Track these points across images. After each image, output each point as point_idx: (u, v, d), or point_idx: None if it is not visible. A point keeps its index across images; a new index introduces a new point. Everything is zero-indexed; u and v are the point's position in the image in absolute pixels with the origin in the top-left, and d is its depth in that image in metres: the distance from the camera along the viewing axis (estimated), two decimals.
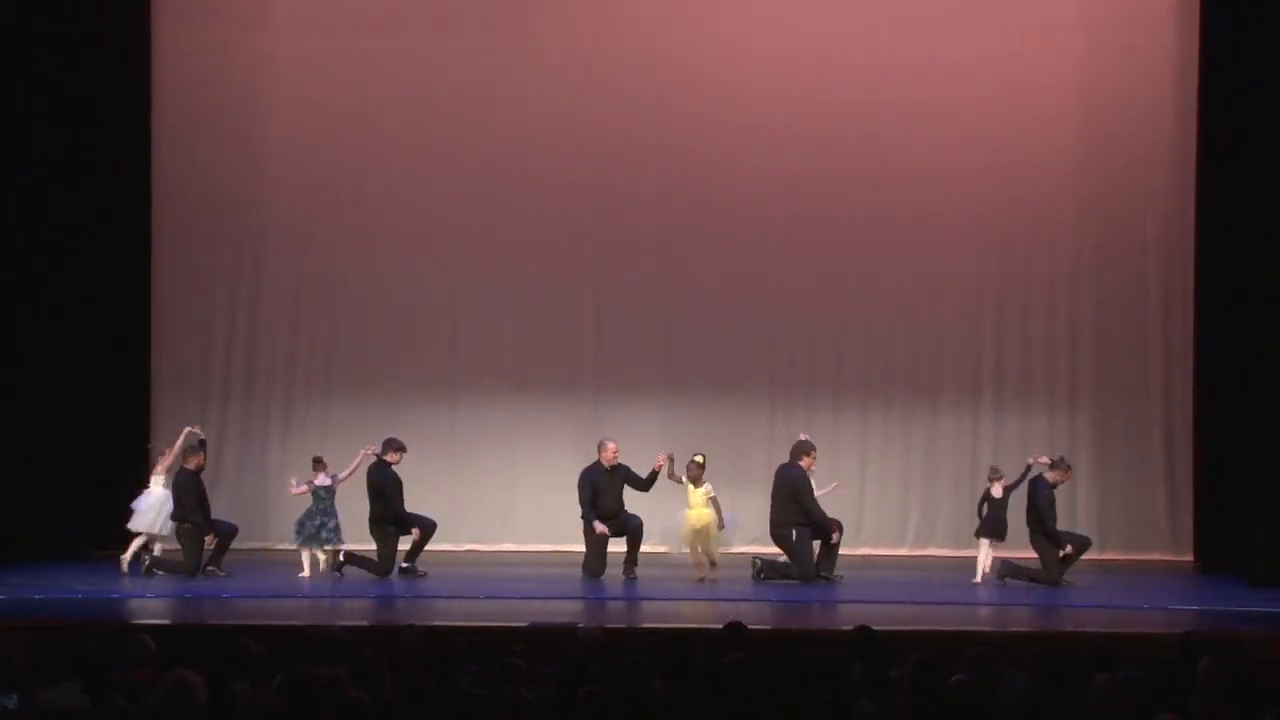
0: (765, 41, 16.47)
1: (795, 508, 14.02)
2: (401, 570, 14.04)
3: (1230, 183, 15.30)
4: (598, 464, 14.40)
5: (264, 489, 16.02)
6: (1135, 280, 16.44)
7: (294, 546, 14.27)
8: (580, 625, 9.77)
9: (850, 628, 8.73)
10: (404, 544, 14.22)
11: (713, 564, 14.00)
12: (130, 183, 16.17)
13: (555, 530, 15.79)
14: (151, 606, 12.49)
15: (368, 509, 14.17)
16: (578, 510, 14.36)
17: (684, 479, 14.03)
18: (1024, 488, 14.00)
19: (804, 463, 14.17)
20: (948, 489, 16.43)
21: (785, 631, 11.17)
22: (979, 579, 13.89)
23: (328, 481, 14.10)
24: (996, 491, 14.06)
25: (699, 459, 13.97)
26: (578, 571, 14.19)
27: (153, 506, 14.21)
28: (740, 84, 16.38)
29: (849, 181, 16.37)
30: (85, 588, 12.84)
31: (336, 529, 14.07)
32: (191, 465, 14.12)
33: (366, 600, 12.72)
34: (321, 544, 14.10)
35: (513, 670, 7.31)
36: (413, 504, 14.51)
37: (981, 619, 11.94)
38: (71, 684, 7.28)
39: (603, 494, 14.29)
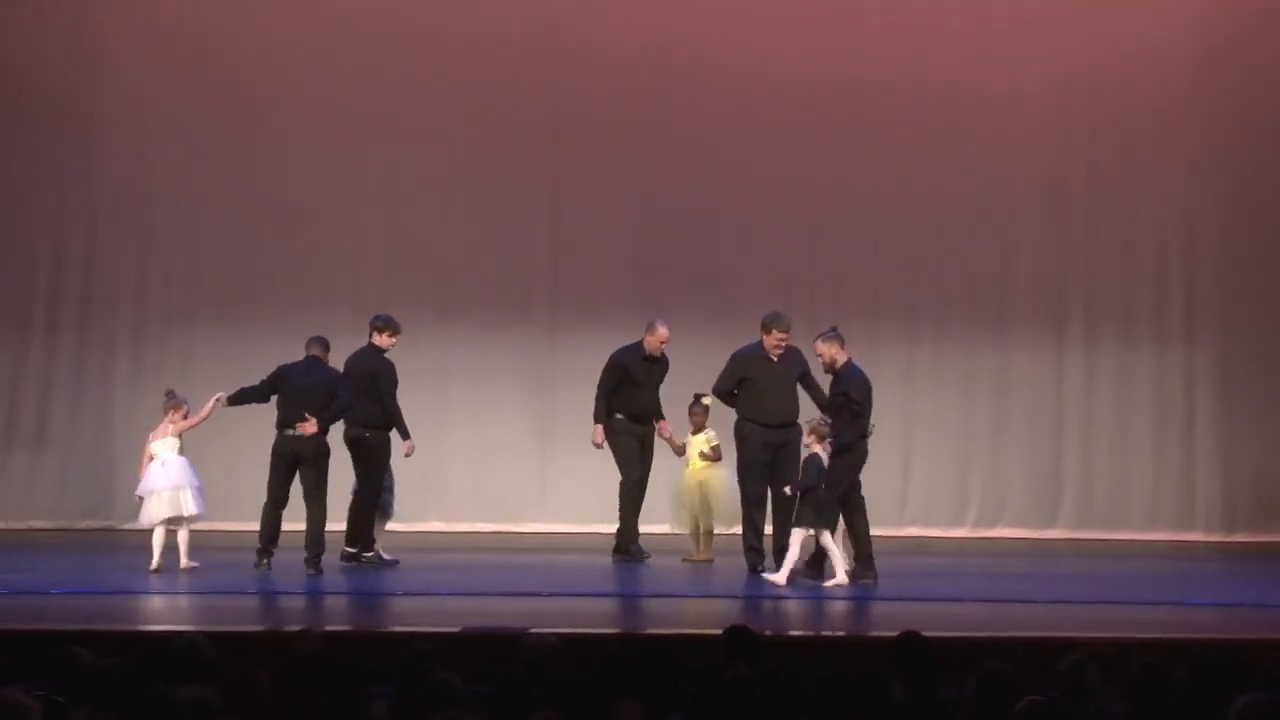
0: None
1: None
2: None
3: None
4: (638, 346, 14.20)
5: (106, 449, 15.95)
6: (1273, 171, 16.45)
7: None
8: (531, 630, 9.78)
9: (892, 633, 8.77)
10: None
11: (708, 535, 14.06)
12: None
13: (495, 506, 15.89)
14: None
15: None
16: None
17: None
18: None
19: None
20: (1022, 449, 16.46)
21: (805, 639, 11.24)
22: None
23: None
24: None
25: (706, 400, 13.99)
26: (525, 559, 14.24)
27: (170, 483, 13.88)
28: None
29: (885, 41, 16.46)
30: None
31: None
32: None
33: (247, 598, 12.70)
34: None
35: (441, 690, 7.30)
36: None
37: (1064, 622, 11.96)
38: None
39: (640, 386, 14.09)
